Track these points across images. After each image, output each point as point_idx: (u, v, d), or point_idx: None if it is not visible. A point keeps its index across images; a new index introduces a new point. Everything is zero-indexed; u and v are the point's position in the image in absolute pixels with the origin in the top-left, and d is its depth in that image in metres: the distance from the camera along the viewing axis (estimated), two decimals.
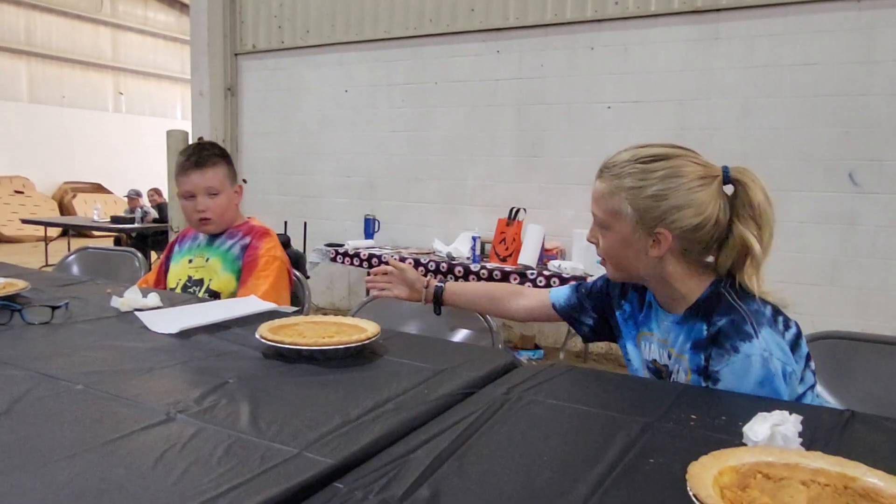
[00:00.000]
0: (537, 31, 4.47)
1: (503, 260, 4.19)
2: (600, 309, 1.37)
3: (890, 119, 3.49)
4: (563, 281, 3.78)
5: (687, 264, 1.14)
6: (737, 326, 1.05)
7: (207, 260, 1.95)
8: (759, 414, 0.82)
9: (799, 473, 0.67)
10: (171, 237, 6.04)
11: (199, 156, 1.91)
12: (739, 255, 1.10)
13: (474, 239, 4.25)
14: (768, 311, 1.10)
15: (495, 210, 4.47)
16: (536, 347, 4.42)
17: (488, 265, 4.10)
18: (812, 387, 1.12)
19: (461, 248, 4.40)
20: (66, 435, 0.78)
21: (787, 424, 0.79)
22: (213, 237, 2.00)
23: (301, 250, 4.73)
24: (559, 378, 1.08)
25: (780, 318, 1.11)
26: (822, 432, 0.85)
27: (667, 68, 4.08)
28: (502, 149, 4.66)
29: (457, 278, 4.15)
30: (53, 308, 1.34)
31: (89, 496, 0.64)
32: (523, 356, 4.30)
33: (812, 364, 1.13)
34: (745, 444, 0.79)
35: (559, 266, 3.92)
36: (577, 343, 4.40)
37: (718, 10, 3.90)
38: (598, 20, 4.24)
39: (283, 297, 1.83)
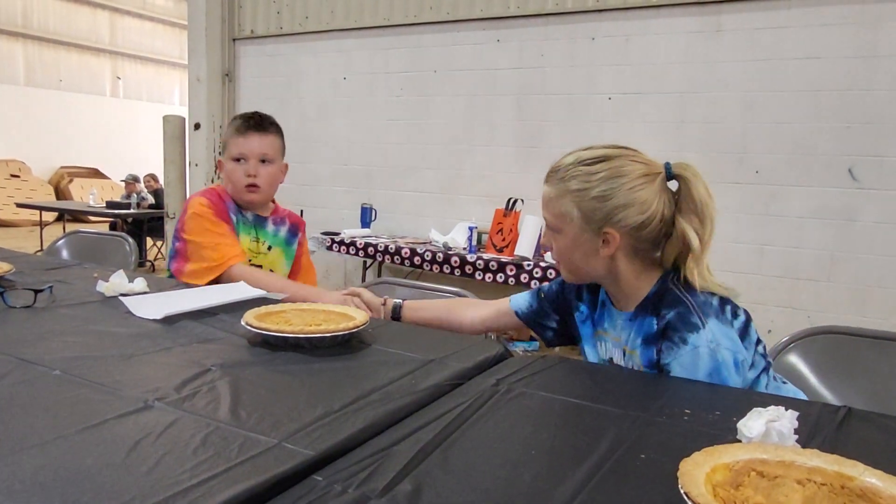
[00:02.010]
0: (538, 20, 4.42)
1: (500, 251, 4.16)
2: (562, 312, 1.37)
3: (891, 115, 3.46)
4: (559, 274, 3.76)
5: (637, 262, 1.15)
6: (683, 318, 1.06)
7: (270, 248, 1.91)
8: (755, 409, 0.80)
9: (794, 472, 0.64)
10: (167, 223, 6.01)
11: (260, 119, 1.88)
12: (683, 249, 1.12)
13: (471, 229, 4.22)
14: (715, 301, 1.10)
15: (493, 200, 4.44)
16: (532, 339, 4.40)
17: (485, 256, 4.08)
18: (765, 370, 1.12)
19: (458, 239, 4.37)
20: (38, 422, 0.76)
21: (783, 420, 0.77)
22: (260, 219, 1.91)
23: None
24: (551, 370, 1.06)
25: (728, 307, 1.11)
26: (818, 429, 0.83)
27: (668, 60, 4.04)
28: (501, 139, 4.63)
29: (453, 269, 4.13)
30: (36, 292, 1.31)
31: (57, 486, 0.62)
32: (518, 347, 4.29)
33: (761, 348, 1.14)
34: (739, 441, 0.76)
35: None
36: None
37: (721, 1, 3.85)
38: (600, 10, 4.20)
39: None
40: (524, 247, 4.03)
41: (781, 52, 3.72)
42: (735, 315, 1.11)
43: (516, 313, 1.42)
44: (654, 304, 1.12)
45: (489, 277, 4.01)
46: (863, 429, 0.86)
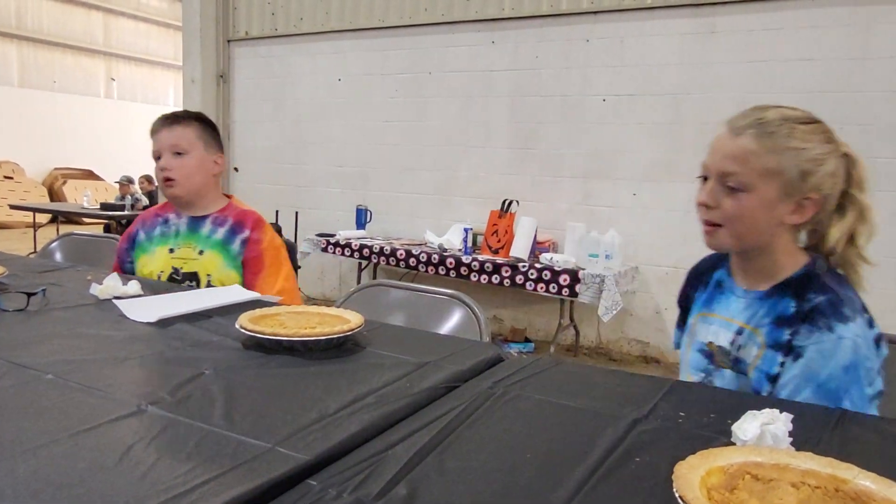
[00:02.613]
0: (533, 22, 4.43)
1: (495, 252, 4.16)
2: (684, 320, 1.33)
3: (883, 117, 3.48)
4: (555, 274, 3.76)
5: (792, 238, 1.12)
6: (835, 306, 1.03)
7: (202, 252, 1.78)
8: (749, 412, 0.80)
9: (789, 475, 0.64)
10: None
11: (172, 115, 1.80)
12: (853, 229, 1.09)
13: (466, 230, 4.22)
14: (860, 301, 1.07)
15: (488, 202, 4.45)
16: (527, 340, 4.40)
17: (480, 257, 4.08)
18: (879, 394, 1.05)
19: (453, 240, 4.38)
20: (30, 426, 0.75)
21: (777, 423, 0.77)
22: (195, 223, 1.81)
23: (292, 240, 4.69)
24: (546, 372, 1.06)
25: (868, 314, 1.08)
26: (813, 432, 0.83)
27: (663, 61, 4.05)
28: (496, 140, 4.63)
29: (448, 270, 4.13)
30: (29, 295, 1.30)
31: (50, 491, 0.61)
32: (514, 349, 4.29)
33: (883, 372, 1.08)
34: (733, 444, 0.76)
35: (551, 259, 3.91)
36: (568, 336, 4.39)
37: (715, 3, 3.87)
38: (594, 12, 4.21)
39: (295, 288, 1.81)
40: (519, 248, 4.04)
41: (775, 54, 3.74)
42: (871, 325, 1.07)
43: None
44: (797, 288, 1.08)
45: (484, 279, 4.01)
46: (857, 432, 0.85)
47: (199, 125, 1.81)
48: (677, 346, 1.34)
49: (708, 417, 0.87)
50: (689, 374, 1.22)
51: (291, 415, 0.81)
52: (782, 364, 1.06)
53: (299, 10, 5.41)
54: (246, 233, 1.79)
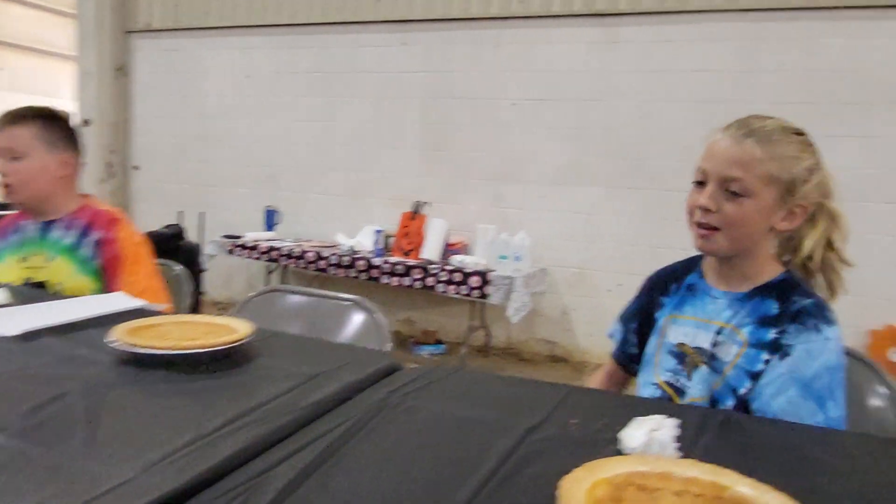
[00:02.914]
0: (443, 25, 4.44)
1: (406, 254, 4.14)
2: (643, 322, 1.32)
3: None
4: (465, 276, 3.78)
5: (772, 245, 1.17)
6: (822, 309, 1.09)
7: (51, 259, 1.64)
8: (636, 419, 0.81)
9: (672, 484, 0.65)
10: None
11: (7, 115, 1.64)
12: (826, 238, 1.15)
13: (377, 232, 4.17)
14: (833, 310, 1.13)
15: (400, 204, 4.41)
16: (439, 342, 4.40)
17: (391, 259, 4.04)
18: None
19: (364, 242, 4.31)
20: None
21: (664, 430, 0.78)
22: (46, 227, 1.67)
23: (197, 242, 4.48)
24: (444, 381, 1.03)
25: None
26: (700, 435, 0.84)
27: (569, 68, 4.15)
28: (408, 142, 4.61)
29: (359, 272, 4.06)
30: None
31: None
32: (425, 352, 4.28)
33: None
34: (621, 451, 0.77)
35: (461, 261, 3.92)
36: (479, 337, 4.42)
37: (618, 14, 4.00)
38: (503, 17, 4.26)
39: (161, 286, 1.68)
40: (430, 250, 4.03)
41: (673, 65, 3.91)
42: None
43: (614, 357, 1.39)
44: (779, 291, 1.13)
45: (395, 281, 3.97)
46: (741, 434, 0.88)
47: (39, 124, 1.65)
48: (612, 335, 1.38)
49: (599, 423, 0.87)
50: (657, 375, 1.23)
51: (162, 437, 0.75)
52: (766, 362, 1.09)
53: (205, 3, 5.18)
54: (98, 234, 1.66)
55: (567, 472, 0.65)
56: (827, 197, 1.15)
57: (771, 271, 1.16)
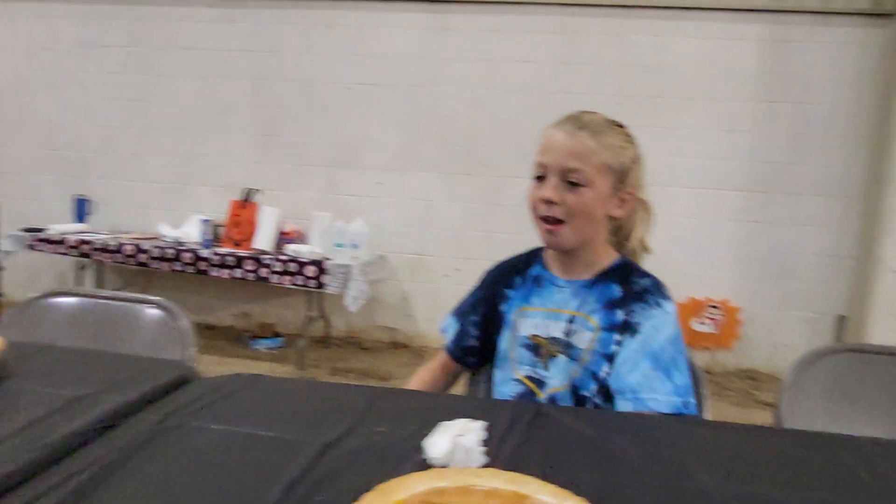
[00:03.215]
0: (273, 3, 4.22)
1: (237, 244, 3.92)
2: (486, 315, 1.30)
3: None
4: (301, 265, 3.65)
5: (607, 231, 1.22)
6: (659, 287, 1.17)
7: None
8: (441, 424, 0.78)
9: (473, 498, 0.63)
10: None
11: None
12: (640, 222, 1.24)
13: (205, 222, 3.91)
14: None
15: (229, 191, 4.16)
16: (277, 335, 4.24)
17: (221, 250, 3.81)
18: None
19: (191, 233, 4.03)
20: None
21: (469, 435, 0.75)
22: None
23: None
24: (238, 394, 0.95)
25: None
26: (508, 435, 0.83)
27: (403, 53, 4.13)
28: (238, 126, 4.35)
29: (185, 266, 3.79)
30: None
31: None
32: (262, 346, 4.10)
33: None
34: (427, 460, 0.74)
35: (297, 250, 3.79)
36: (318, 328, 4.31)
37: (448, 1, 4.03)
38: None
39: None
40: (263, 240, 3.85)
41: (500, 54, 4.03)
42: None
43: (447, 350, 1.33)
44: (620, 275, 1.19)
45: (226, 273, 3.76)
46: (549, 430, 0.87)
47: None
48: (445, 330, 1.36)
49: (409, 429, 0.83)
50: (516, 370, 1.21)
51: None
52: (619, 342, 1.14)
53: None
54: None
55: (368, 489, 0.61)
56: (644, 186, 1.23)
57: (608, 257, 1.22)
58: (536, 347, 1.20)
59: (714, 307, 4.02)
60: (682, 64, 3.91)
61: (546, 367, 1.19)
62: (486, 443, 0.77)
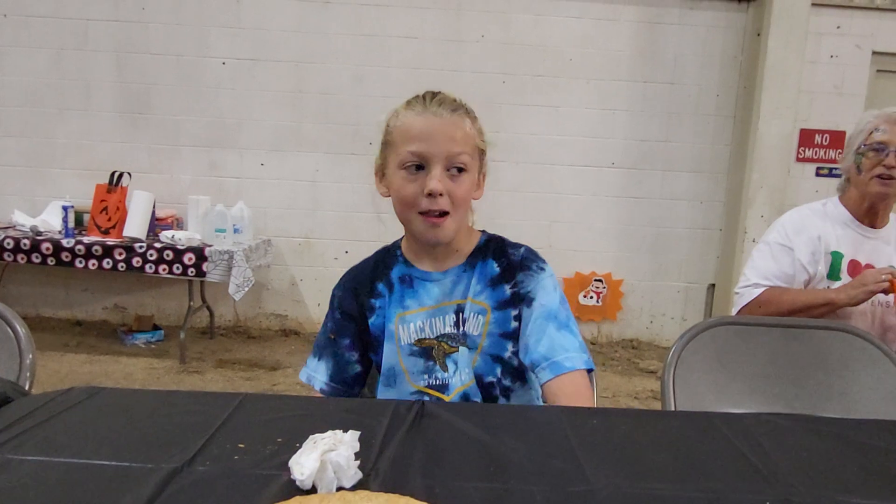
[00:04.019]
0: None
1: (105, 232, 3.62)
2: (357, 333, 1.15)
3: (475, 94, 3.93)
4: (178, 253, 3.43)
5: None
6: (534, 253, 1.14)
7: None
8: (309, 439, 0.70)
9: None
10: None
11: None
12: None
13: (66, 209, 3.58)
14: None
15: (94, 175, 3.83)
16: (156, 328, 3.98)
17: (85, 240, 3.50)
18: None
19: (51, 221, 3.69)
20: None
21: (341, 449, 0.68)
22: None
23: None
24: (69, 413, 0.84)
25: None
26: (387, 442, 0.77)
27: (282, 27, 3.94)
28: (101, 103, 4.00)
29: (44, 258, 3.46)
30: None
31: None
32: (140, 340, 3.84)
33: None
34: (294, 481, 0.66)
35: (173, 237, 3.55)
36: (202, 318, 4.10)
37: None
38: None
39: None
40: (134, 226, 3.58)
41: (385, 30, 3.93)
42: None
43: (324, 395, 1.15)
44: (493, 251, 1.13)
45: (93, 264, 3.47)
46: (431, 429, 0.82)
47: None
48: (309, 379, 1.17)
49: (272, 445, 0.75)
50: (412, 383, 1.11)
51: None
52: (517, 317, 1.09)
53: None
54: None
55: None
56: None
57: (473, 237, 1.16)
58: (426, 351, 1.11)
59: (599, 281, 4.18)
60: (562, 44, 3.98)
61: (444, 368, 1.11)
62: (361, 454, 0.70)
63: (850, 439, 0.85)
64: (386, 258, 1.18)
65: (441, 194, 1.03)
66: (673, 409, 1.23)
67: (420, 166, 1.04)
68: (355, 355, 1.17)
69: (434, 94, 1.09)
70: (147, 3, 3.93)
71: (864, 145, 1.61)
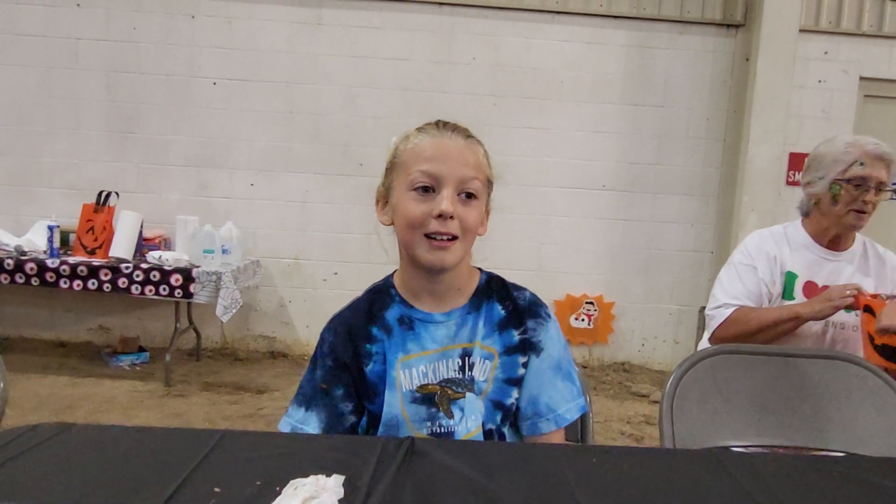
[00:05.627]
0: None
1: (91, 253, 3.57)
2: (351, 381, 1.06)
3: (465, 114, 3.93)
4: (164, 274, 3.38)
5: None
6: (536, 297, 1.11)
7: None
8: (291, 483, 0.67)
9: None
10: None
11: None
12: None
13: (52, 228, 3.52)
14: None
15: (81, 194, 3.79)
16: (142, 350, 3.91)
17: (70, 260, 3.45)
18: None
19: (36, 240, 3.63)
20: None
21: (323, 496, 0.65)
22: None
23: None
24: (35, 451, 0.79)
25: None
26: (375, 485, 0.73)
27: (273, 48, 3.94)
28: (89, 122, 3.97)
29: (28, 278, 3.40)
30: None
31: None
32: (124, 362, 3.77)
33: None
34: None
35: (160, 257, 3.50)
36: (189, 340, 4.03)
37: None
38: None
39: None
40: (121, 247, 3.53)
41: (377, 52, 3.93)
42: None
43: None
44: (496, 292, 1.09)
45: (78, 284, 3.41)
46: (424, 471, 0.78)
47: None
48: (293, 431, 1.06)
49: (252, 488, 0.71)
50: (414, 432, 1.04)
51: None
52: (524, 364, 1.06)
53: None
54: None
55: None
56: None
57: (474, 276, 1.10)
58: (429, 397, 1.04)
59: (590, 303, 4.15)
60: (553, 67, 4.00)
61: (449, 415, 1.04)
62: (346, 499, 0.67)
63: (857, 479, 0.82)
64: (379, 299, 1.10)
65: (452, 217, 0.98)
66: (672, 440, 1.19)
67: (430, 188, 0.99)
68: (350, 406, 1.07)
69: (447, 122, 1.06)
70: (138, 23, 3.92)
71: (845, 179, 1.60)
